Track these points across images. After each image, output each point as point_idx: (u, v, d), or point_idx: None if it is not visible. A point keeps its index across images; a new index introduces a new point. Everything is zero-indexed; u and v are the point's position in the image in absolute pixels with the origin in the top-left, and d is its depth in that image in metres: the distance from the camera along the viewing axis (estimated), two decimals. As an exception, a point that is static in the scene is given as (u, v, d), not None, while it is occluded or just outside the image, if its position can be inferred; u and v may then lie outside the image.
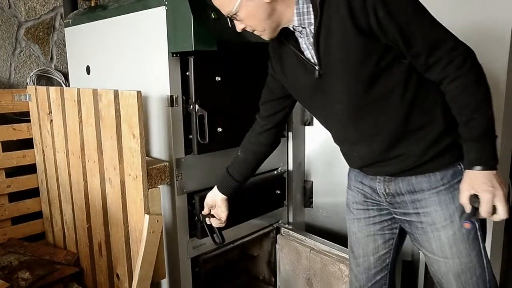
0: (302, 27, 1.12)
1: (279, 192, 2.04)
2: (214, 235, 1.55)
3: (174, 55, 1.55)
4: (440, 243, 1.18)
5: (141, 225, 1.49)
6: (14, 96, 2.06)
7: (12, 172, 2.10)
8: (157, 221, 1.48)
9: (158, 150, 1.67)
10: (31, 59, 2.23)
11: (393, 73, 1.08)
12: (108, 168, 1.62)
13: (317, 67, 1.13)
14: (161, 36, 1.54)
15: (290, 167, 2.11)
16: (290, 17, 1.11)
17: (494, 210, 1.03)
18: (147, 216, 1.46)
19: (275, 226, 2.09)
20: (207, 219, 1.50)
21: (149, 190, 1.48)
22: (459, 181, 1.10)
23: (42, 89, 1.98)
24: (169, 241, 1.71)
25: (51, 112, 1.95)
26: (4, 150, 2.02)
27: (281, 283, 2.09)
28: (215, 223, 1.48)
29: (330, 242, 1.84)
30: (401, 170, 1.17)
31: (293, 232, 2.00)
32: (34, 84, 2.20)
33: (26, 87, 2.14)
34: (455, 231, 1.15)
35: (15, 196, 2.12)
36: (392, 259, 1.37)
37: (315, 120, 2.12)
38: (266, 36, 1.16)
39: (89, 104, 1.64)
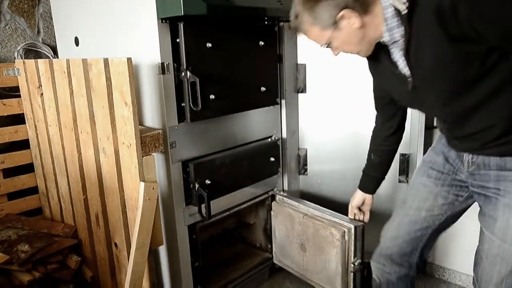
0: (394, 41, 1.12)
1: (273, 159, 2.05)
2: (202, 208, 1.57)
3: (163, 21, 1.52)
4: (505, 225, 1.16)
5: (136, 193, 1.49)
6: (2, 71, 2.03)
7: (5, 148, 2.09)
8: (153, 188, 1.49)
9: (151, 118, 1.67)
10: (17, 32, 2.18)
11: (498, 71, 1.02)
12: (102, 138, 1.61)
13: (410, 79, 1.14)
14: (150, 1, 1.51)
15: (284, 135, 2.12)
16: (381, 34, 1.11)
17: None
18: (142, 184, 1.47)
19: (270, 194, 2.11)
20: (356, 214, 1.68)
21: (144, 157, 1.49)
22: None
23: (30, 62, 1.95)
24: (165, 209, 1.72)
25: (41, 86, 1.92)
26: (-5, 126, 2.01)
27: (277, 249, 2.13)
28: (363, 217, 1.69)
29: (323, 208, 1.86)
30: (499, 154, 1.15)
31: (287, 199, 2.02)
32: (22, 58, 2.16)
33: (14, 62, 2.11)
34: None
35: (9, 172, 2.11)
36: (441, 224, 1.38)
37: (308, 87, 2.11)
38: (362, 55, 1.20)
39: (79, 75, 1.62)
